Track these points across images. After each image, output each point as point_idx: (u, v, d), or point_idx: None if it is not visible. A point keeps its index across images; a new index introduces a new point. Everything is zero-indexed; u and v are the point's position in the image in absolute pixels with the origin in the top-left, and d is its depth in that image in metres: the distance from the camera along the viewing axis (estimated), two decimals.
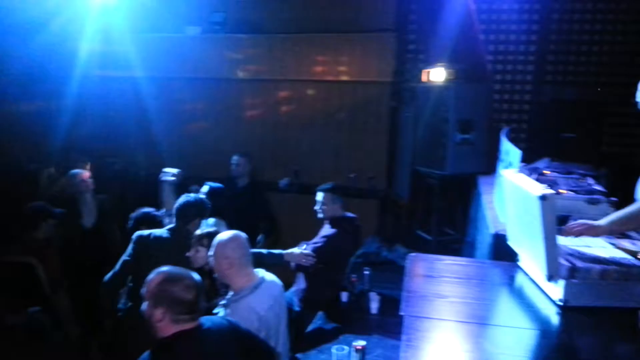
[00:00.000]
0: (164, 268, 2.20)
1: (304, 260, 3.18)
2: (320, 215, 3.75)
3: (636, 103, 2.66)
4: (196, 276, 2.20)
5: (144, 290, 2.16)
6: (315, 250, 3.30)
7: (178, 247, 2.96)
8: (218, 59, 5.73)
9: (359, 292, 3.24)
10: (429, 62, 5.06)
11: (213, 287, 2.84)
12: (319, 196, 3.78)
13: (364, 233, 5.14)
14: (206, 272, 2.84)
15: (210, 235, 2.83)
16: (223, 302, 2.69)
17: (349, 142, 5.43)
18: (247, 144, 5.74)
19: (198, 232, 3.01)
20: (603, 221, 2.31)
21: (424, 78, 5.08)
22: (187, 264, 2.78)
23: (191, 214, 3.18)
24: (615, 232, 2.30)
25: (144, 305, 2.15)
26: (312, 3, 5.57)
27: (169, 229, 3.15)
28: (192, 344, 2.13)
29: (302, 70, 5.58)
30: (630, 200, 2.77)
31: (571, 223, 2.32)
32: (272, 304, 2.69)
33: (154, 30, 5.84)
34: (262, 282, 2.70)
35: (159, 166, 4.17)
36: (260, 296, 2.62)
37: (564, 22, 5.17)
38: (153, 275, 2.18)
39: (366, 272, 3.27)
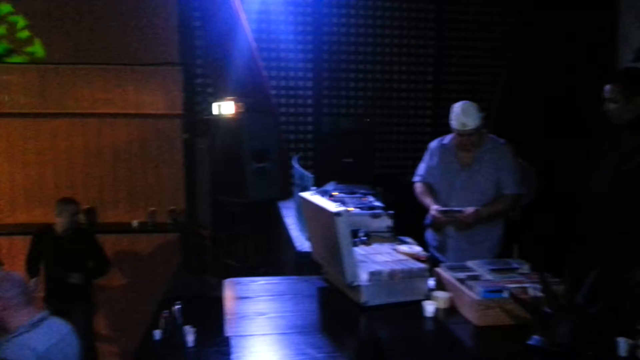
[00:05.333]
0: None
1: None
2: None
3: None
4: None
5: None
6: None
7: None
8: None
9: (172, 327, 3.18)
10: (219, 95, 5.24)
11: None
12: None
13: (169, 267, 5.04)
14: None
15: None
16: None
17: (144, 177, 5.28)
18: (32, 183, 5.19)
19: None
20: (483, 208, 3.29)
21: (215, 111, 5.24)
22: None
23: None
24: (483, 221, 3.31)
25: None
26: (94, 34, 5.33)
27: None
28: None
29: (85, 103, 5.27)
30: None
31: (464, 213, 3.26)
32: (57, 342, 2.57)
33: None
34: (44, 320, 2.58)
35: None
36: (40, 334, 2.50)
37: (333, 62, 5.88)
38: None
39: (177, 307, 3.23)
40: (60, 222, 4.52)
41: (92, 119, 5.34)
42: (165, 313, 3.18)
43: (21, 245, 4.85)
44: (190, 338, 2.99)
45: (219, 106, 5.19)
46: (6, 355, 2.39)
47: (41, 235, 4.60)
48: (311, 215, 2.81)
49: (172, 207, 5.23)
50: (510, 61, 5.79)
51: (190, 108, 5.47)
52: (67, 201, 4.59)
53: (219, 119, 5.01)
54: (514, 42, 5.86)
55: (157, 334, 3.11)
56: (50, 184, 5.21)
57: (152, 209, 5.21)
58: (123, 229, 5.19)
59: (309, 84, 5.85)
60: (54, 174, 5.25)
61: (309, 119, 5.86)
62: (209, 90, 5.62)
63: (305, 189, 3.41)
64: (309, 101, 5.86)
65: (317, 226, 2.72)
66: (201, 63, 5.65)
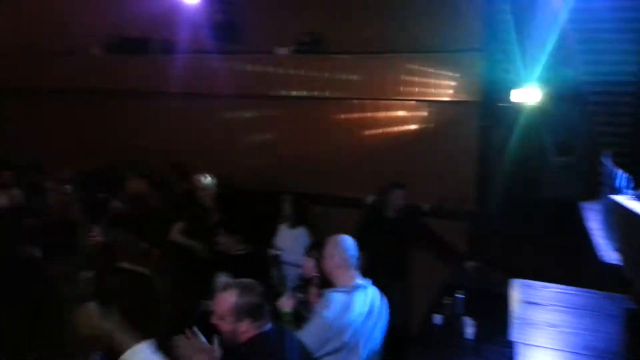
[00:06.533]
0: (232, 282, 2.31)
1: None
2: None
3: None
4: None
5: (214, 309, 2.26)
6: None
7: None
8: (307, 79, 5.89)
9: (452, 315, 3.19)
10: (520, 82, 4.94)
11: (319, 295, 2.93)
12: None
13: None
14: (315, 282, 3.02)
15: (318, 246, 3.00)
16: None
17: (437, 162, 5.38)
18: (334, 163, 5.85)
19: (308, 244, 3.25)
20: None
21: (515, 98, 4.98)
22: None
23: None
24: None
25: (219, 323, 2.25)
26: (399, 23, 5.61)
27: None
28: (272, 343, 2.26)
29: (389, 89, 5.62)
30: None
31: None
32: (371, 310, 2.77)
33: (240, 51, 6.12)
34: (365, 288, 2.79)
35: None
36: (359, 298, 2.71)
37: None
38: (223, 293, 2.27)
39: (460, 296, 3.22)
40: (389, 204, 4.84)
41: (395, 104, 5.66)
42: (447, 300, 3.19)
43: (342, 216, 5.44)
44: (470, 330, 2.95)
45: (521, 93, 4.91)
46: (322, 304, 2.68)
47: (371, 212, 5.04)
48: (624, 222, 2.42)
49: (461, 195, 5.20)
50: None
51: (489, 95, 5.29)
52: (397, 185, 4.87)
53: (519, 107, 4.74)
54: None
55: (438, 318, 3.15)
56: (356, 164, 5.75)
57: (442, 194, 5.27)
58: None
59: (630, 68, 4.99)
60: (358, 155, 5.78)
61: (628, 109, 5.02)
62: (511, 76, 5.33)
63: (618, 191, 2.95)
64: (629, 88, 5.01)
65: (631, 236, 2.33)
66: (504, 47, 5.39)
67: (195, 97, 6.27)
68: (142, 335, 2.25)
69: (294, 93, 5.96)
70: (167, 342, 2.35)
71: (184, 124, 6.31)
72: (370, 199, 5.34)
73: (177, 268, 4.15)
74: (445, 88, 5.37)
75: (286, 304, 2.90)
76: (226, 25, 6.11)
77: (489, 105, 5.28)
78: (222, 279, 3.50)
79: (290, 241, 4.55)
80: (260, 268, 4.02)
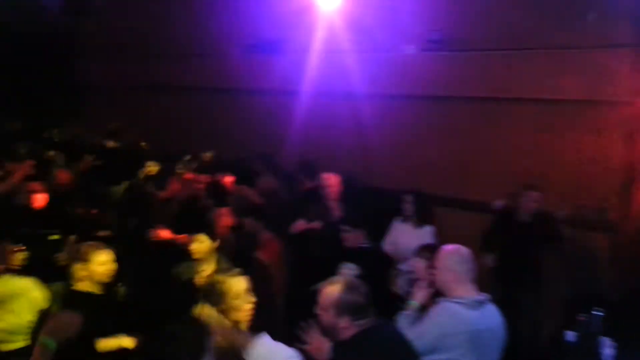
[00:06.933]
0: (336, 279, 2.35)
1: None
2: None
3: None
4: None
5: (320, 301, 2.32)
6: None
7: None
8: (435, 78, 5.76)
9: (587, 334, 2.92)
10: None
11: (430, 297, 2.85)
12: None
13: (596, 268, 4.65)
14: (425, 283, 2.92)
15: (430, 248, 2.90)
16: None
17: (576, 167, 4.95)
18: (465, 165, 5.63)
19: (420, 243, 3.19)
20: None
21: None
22: None
23: None
24: None
25: (321, 314, 2.30)
26: (535, 18, 5.27)
27: None
28: (373, 341, 2.27)
29: (523, 89, 5.29)
30: None
31: None
32: (487, 329, 2.61)
33: (372, 49, 6.13)
34: (483, 303, 2.64)
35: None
36: (477, 314, 2.57)
37: None
38: (328, 286, 2.32)
39: (597, 313, 2.93)
40: (521, 206, 4.64)
41: (532, 105, 5.32)
42: (583, 316, 2.94)
43: (468, 220, 5.35)
44: (608, 352, 2.69)
45: None
46: (435, 310, 2.61)
47: (502, 216, 4.83)
48: None
49: (603, 204, 4.74)
50: None
51: (638, 96, 4.77)
52: (530, 187, 4.64)
53: None
54: None
55: (571, 336, 2.91)
56: (489, 167, 5.49)
57: (581, 202, 4.84)
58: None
59: None
60: (490, 157, 5.50)
61: None
62: None
63: None
64: None
65: None
66: None
67: (328, 96, 6.42)
68: (257, 326, 2.39)
69: (423, 92, 5.86)
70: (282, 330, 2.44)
71: (316, 122, 6.49)
72: (499, 203, 5.08)
73: (296, 260, 4.30)
74: (588, 87, 4.92)
75: (418, 295, 2.82)
76: (356, 25, 6.19)
77: (637, 107, 4.76)
78: (347, 269, 3.55)
79: (414, 241, 4.46)
80: (383, 263, 4.04)
